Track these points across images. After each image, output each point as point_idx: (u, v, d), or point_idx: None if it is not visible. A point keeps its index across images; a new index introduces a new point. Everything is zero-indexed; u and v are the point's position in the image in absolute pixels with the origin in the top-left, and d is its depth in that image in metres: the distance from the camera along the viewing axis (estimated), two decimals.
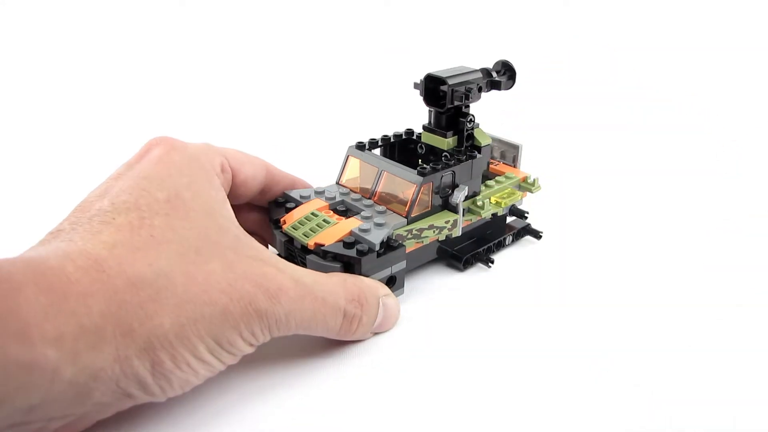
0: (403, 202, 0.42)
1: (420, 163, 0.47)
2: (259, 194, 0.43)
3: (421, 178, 0.41)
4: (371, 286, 0.38)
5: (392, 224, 0.41)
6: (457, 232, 0.44)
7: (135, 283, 0.28)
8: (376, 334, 0.39)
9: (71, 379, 0.25)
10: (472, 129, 0.46)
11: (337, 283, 0.36)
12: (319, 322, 0.34)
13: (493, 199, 0.46)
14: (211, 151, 0.38)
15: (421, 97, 0.45)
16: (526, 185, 0.49)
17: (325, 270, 0.38)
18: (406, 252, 0.41)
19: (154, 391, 0.29)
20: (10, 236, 0.40)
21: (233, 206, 0.36)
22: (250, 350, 0.32)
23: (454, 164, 0.43)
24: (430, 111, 0.46)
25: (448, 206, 0.44)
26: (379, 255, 0.39)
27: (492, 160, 0.51)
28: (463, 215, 0.44)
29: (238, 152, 0.41)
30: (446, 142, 0.45)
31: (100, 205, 0.31)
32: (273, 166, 0.44)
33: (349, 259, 0.38)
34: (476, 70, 0.45)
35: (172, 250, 0.30)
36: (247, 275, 0.31)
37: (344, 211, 0.43)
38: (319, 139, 0.72)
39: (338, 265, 0.38)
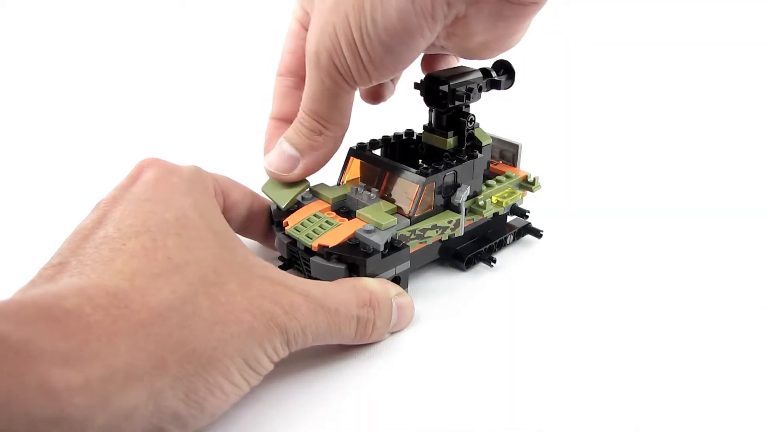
0: (406, 203, 0.42)
1: (421, 163, 0.47)
2: (245, 220, 0.43)
3: (423, 178, 0.41)
4: (382, 288, 0.38)
5: (396, 225, 0.41)
6: (460, 232, 0.44)
7: (161, 313, 0.27)
8: (392, 333, 0.39)
9: (103, 425, 0.24)
10: (473, 129, 0.46)
11: (347, 291, 0.35)
12: (334, 331, 0.34)
13: (494, 199, 0.46)
14: (203, 174, 0.38)
15: (422, 98, 0.45)
16: (526, 184, 0.49)
17: (329, 271, 0.38)
18: (410, 252, 0.41)
19: (187, 422, 0.28)
20: None
21: None
22: (271, 368, 0.31)
23: (456, 164, 0.43)
24: (430, 111, 0.46)
25: (450, 206, 0.44)
26: (383, 256, 0.39)
27: (492, 160, 0.51)
28: (465, 215, 0.44)
29: (226, 177, 0.41)
30: (447, 142, 0.45)
31: (104, 232, 0.30)
32: (258, 195, 0.43)
33: (353, 260, 0.38)
34: (476, 70, 0.45)
35: (192, 272, 0.29)
36: (263, 293, 0.31)
37: (346, 212, 0.43)
38: None
39: (342, 267, 0.38)
